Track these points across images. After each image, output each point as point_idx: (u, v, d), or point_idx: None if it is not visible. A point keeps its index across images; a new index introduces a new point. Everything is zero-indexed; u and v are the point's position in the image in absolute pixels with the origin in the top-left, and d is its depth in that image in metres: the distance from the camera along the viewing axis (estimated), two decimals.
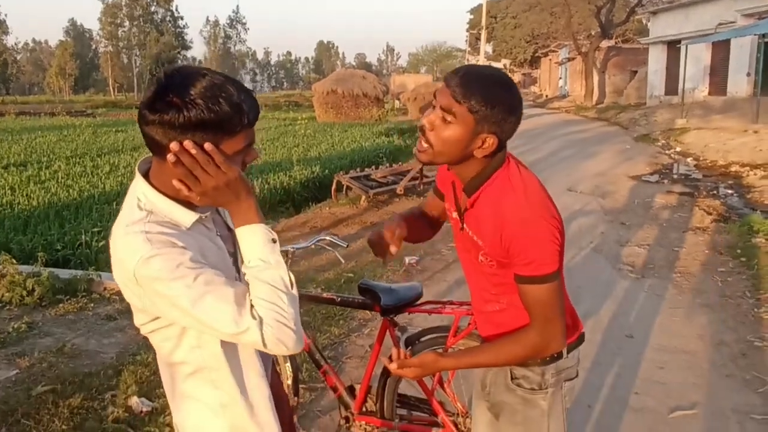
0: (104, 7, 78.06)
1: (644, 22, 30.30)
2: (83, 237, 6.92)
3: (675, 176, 11.55)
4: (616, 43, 35.93)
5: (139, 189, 1.38)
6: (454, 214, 1.75)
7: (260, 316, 1.29)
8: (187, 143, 1.26)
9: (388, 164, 11.62)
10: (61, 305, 4.99)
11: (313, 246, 3.00)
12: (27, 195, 9.97)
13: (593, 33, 34.87)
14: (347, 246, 3.11)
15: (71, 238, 7.09)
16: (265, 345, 1.31)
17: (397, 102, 38.06)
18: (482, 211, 1.60)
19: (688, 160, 13.37)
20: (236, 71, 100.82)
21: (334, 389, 2.81)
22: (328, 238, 3.01)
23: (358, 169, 10.63)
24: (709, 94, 22.62)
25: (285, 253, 2.89)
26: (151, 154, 1.38)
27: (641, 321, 4.67)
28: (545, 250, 1.51)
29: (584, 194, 9.75)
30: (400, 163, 12.04)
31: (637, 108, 25.95)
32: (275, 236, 1.38)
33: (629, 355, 4.12)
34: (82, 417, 3.39)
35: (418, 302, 2.66)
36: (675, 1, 25.74)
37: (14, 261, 5.35)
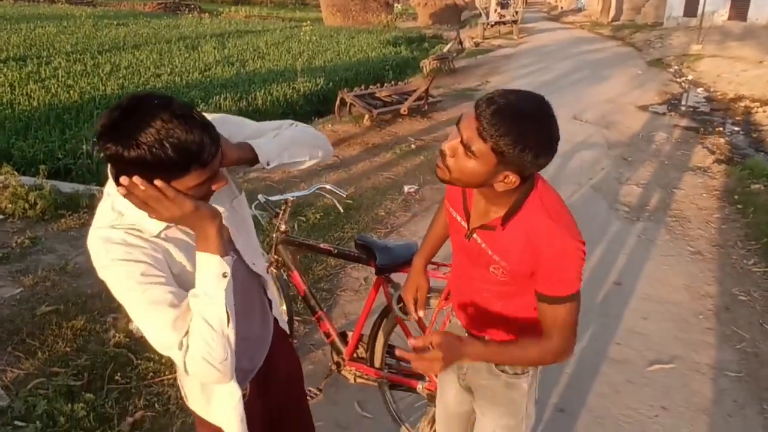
0: None
1: None
2: (84, 146, 6.92)
3: (683, 108, 11.39)
4: None
5: (111, 189, 1.40)
6: (459, 218, 1.74)
7: (189, 347, 1.36)
8: (136, 179, 1.27)
9: (393, 82, 11.43)
10: (63, 220, 5.07)
11: (311, 193, 3.04)
12: (27, 94, 9.88)
13: None
14: (345, 195, 3.14)
15: (73, 147, 7.10)
16: (186, 372, 1.39)
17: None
18: (513, 236, 1.57)
19: (699, 90, 13.14)
20: None
21: (327, 335, 2.92)
22: (327, 186, 3.04)
23: (362, 87, 10.47)
24: (729, 18, 21.92)
25: (284, 202, 2.94)
26: None
27: (631, 268, 4.76)
28: (572, 272, 1.52)
29: (590, 124, 9.66)
30: (406, 81, 11.85)
31: (654, 28, 25.20)
32: (227, 270, 1.39)
33: (615, 303, 4.24)
34: (85, 339, 3.54)
35: None
36: None
37: (15, 172, 5.38)
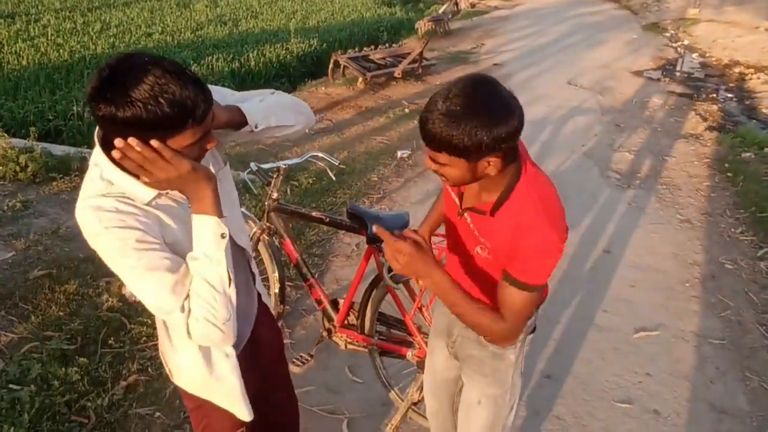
0: None
1: None
2: (75, 107, 6.86)
3: (677, 74, 11.34)
4: None
5: (98, 159, 1.38)
6: (453, 196, 1.76)
7: (190, 309, 1.37)
8: (132, 140, 1.24)
9: (387, 44, 11.30)
10: (54, 183, 5.06)
11: (304, 162, 3.04)
12: (16, 53, 9.73)
13: None
14: (338, 163, 3.14)
15: (63, 108, 7.03)
16: (189, 336, 1.39)
17: None
18: (501, 222, 1.59)
19: (694, 56, 13.05)
20: None
21: (319, 302, 2.95)
22: (320, 154, 3.04)
23: (356, 49, 10.35)
24: None
25: (277, 169, 2.94)
26: None
27: (620, 235, 4.81)
28: (545, 265, 1.54)
29: (584, 89, 9.61)
30: (401, 43, 11.72)
31: None
32: (226, 231, 1.39)
33: (604, 271, 4.29)
34: (78, 303, 3.57)
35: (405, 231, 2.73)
36: None
37: (5, 134, 5.34)
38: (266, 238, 3.04)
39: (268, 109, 1.62)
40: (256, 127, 1.57)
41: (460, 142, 1.40)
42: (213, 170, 1.54)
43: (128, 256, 1.33)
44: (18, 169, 5.05)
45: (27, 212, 4.59)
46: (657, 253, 4.56)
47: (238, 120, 1.53)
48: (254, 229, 3.04)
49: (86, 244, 1.37)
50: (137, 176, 1.35)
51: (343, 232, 4.65)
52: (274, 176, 2.94)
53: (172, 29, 12.77)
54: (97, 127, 1.41)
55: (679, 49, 13.84)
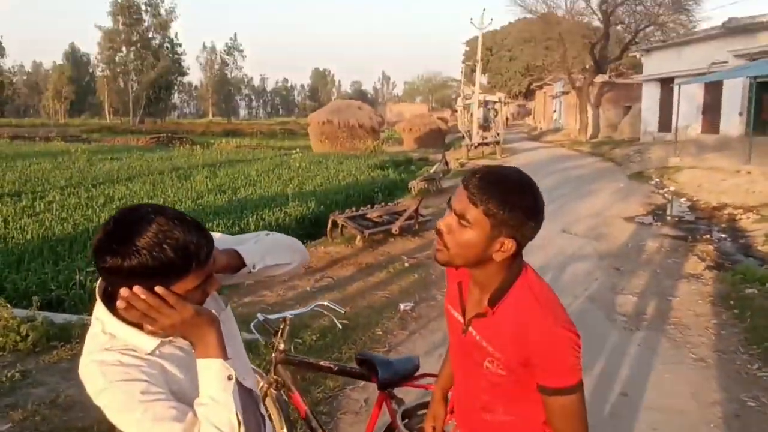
0: (103, 33, 78.58)
1: (638, 56, 30.71)
2: (77, 276, 6.91)
3: (669, 218, 11.63)
4: (610, 77, 36.37)
5: (100, 314, 1.40)
6: (456, 315, 1.74)
7: None
8: (137, 289, 1.27)
9: (383, 202, 11.67)
10: (55, 352, 4.97)
11: (309, 311, 3.03)
12: (21, 228, 9.96)
13: (588, 67, 35.28)
14: (344, 312, 3.13)
15: (65, 277, 7.08)
16: None
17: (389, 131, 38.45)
18: (503, 321, 1.57)
19: (682, 200, 13.48)
20: (232, 97, 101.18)
21: None
22: (325, 303, 3.04)
23: (353, 209, 10.67)
24: (702, 132, 22.87)
25: (283, 320, 2.92)
26: None
27: (635, 377, 4.68)
28: (568, 363, 1.50)
29: (578, 236, 9.81)
30: (396, 201, 12.10)
31: (631, 144, 26.20)
32: (232, 373, 1.37)
33: (624, 414, 4.13)
34: None
35: (416, 375, 2.67)
36: (668, 40, 26.16)
37: (8, 305, 5.33)
38: (274, 392, 2.95)
39: (265, 250, 1.65)
40: (254, 267, 1.59)
41: (503, 199, 1.46)
42: (216, 312, 1.55)
43: (134, 409, 1.30)
44: (18, 339, 4.99)
45: (26, 382, 4.47)
46: (675, 393, 4.41)
47: (235, 263, 1.56)
48: (261, 384, 2.95)
49: (86, 412, 1.36)
50: (140, 327, 1.37)
51: (351, 387, 4.54)
52: (281, 328, 2.91)
53: (173, 199, 13.21)
54: (98, 282, 1.44)
55: (666, 195, 14.32)
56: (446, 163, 16.86)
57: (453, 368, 1.85)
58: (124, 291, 1.27)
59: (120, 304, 1.28)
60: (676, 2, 29.31)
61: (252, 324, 3.00)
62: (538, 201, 1.53)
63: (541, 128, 49.33)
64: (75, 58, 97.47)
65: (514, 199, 1.48)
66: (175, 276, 1.30)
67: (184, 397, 1.39)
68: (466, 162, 23.37)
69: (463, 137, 27.56)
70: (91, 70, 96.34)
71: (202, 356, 1.37)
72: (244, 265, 1.57)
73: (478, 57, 29.74)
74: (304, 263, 1.82)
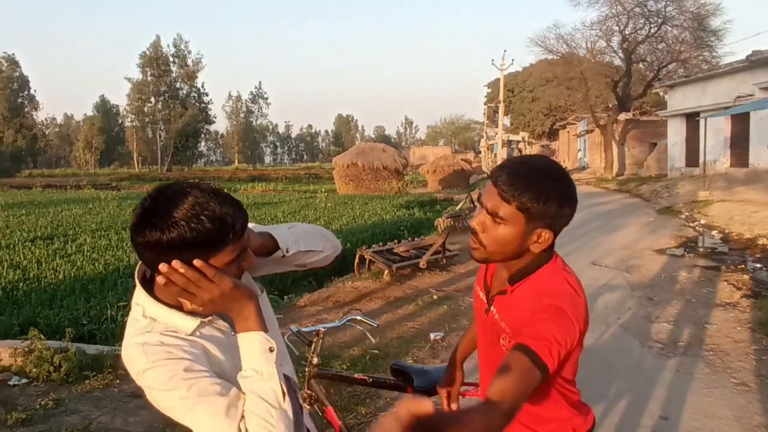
0: (133, 85, 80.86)
1: (661, 95, 30.67)
2: (108, 311, 6.97)
3: (701, 249, 11.42)
4: (633, 115, 36.34)
5: (140, 298, 1.41)
6: (481, 295, 1.74)
7: (247, 430, 1.29)
8: (176, 263, 1.28)
9: (409, 238, 11.66)
10: (87, 381, 4.99)
11: (343, 325, 3.01)
12: (54, 269, 10.12)
13: (611, 106, 35.32)
14: (377, 325, 3.10)
15: (97, 313, 7.16)
16: None
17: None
18: (522, 297, 1.54)
19: (714, 232, 13.25)
20: (257, 144, 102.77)
21: None
22: (358, 317, 3.02)
23: (380, 244, 10.67)
24: (731, 165, 22.59)
25: (316, 333, 2.90)
26: None
27: (675, 401, 4.54)
28: (553, 333, 1.38)
29: (609, 268, 9.67)
30: (422, 237, 12.08)
31: (658, 180, 25.97)
32: (273, 344, 1.37)
33: None
34: None
35: None
36: (691, 76, 26.13)
37: (42, 336, 5.39)
38: (308, 407, 2.92)
39: (298, 235, 1.66)
40: (287, 251, 1.59)
41: (535, 192, 1.43)
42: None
43: (178, 387, 1.29)
44: (52, 369, 5.03)
45: (59, 410, 4.48)
46: (717, 417, 4.27)
47: (270, 245, 1.57)
48: None
49: None
50: (180, 308, 1.38)
51: (383, 413, 4.47)
52: (314, 341, 2.90)
53: None
54: (137, 267, 1.45)
55: (697, 227, 14.09)
56: (472, 201, 16.86)
57: (478, 349, 1.84)
58: (163, 266, 1.28)
59: (160, 279, 1.29)
60: (698, 39, 29.44)
61: (286, 336, 2.99)
62: (570, 186, 1.52)
63: (566, 167, 49.15)
64: (105, 110, 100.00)
65: (546, 190, 1.45)
66: (212, 248, 1.31)
67: (225, 377, 1.38)
68: None
69: (487, 176, 27.59)
70: (120, 121, 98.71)
71: (243, 330, 1.36)
72: (277, 248, 1.58)
73: (501, 97, 29.97)
74: (336, 252, 1.81)
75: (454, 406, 2.14)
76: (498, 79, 31.81)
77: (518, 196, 1.43)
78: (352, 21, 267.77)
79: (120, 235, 14.35)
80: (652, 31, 30.87)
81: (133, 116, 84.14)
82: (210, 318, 1.43)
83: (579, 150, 47.76)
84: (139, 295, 1.41)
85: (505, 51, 33.70)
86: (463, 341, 2.14)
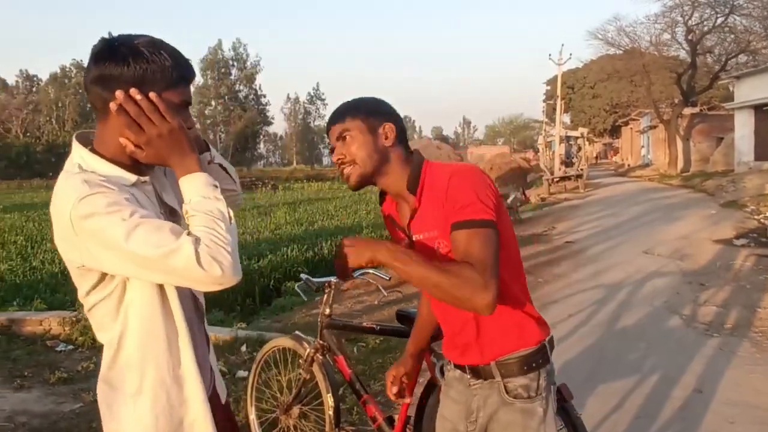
0: (195, 88, 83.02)
1: (730, 88, 29.46)
2: None
3: (764, 240, 10.94)
4: (701, 110, 35.06)
5: (78, 155, 1.40)
6: (405, 235, 1.79)
7: (198, 237, 1.28)
8: (132, 90, 1.32)
9: None
10: None
11: (356, 277, 3.04)
12: None
13: (676, 101, 34.19)
14: (389, 278, 3.12)
15: None
16: (199, 262, 1.25)
17: None
18: (428, 198, 1.65)
19: None
20: (315, 145, 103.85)
21: (374, 419, 2.78)
22: (370, 271, 3.04)
23: None
24: None
25: (328, 284, 2.95)
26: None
27: (712, 377, 4.39)
28: (479, 195, 1.53)
29: (662, 257, 9.38)
30: None
31: (725, 175, 24.99)
32: (216, 183, 1.40)
33: (696, 409, 3.87)
34: None
35: None
36: (760, 65, 25.06)
37: None
38: (320, 357, 2.96)
39: (223, 160, 1.73)
40: (213, 158, 1.65)
41: (355, 105, 1.72)
42: (177, 202, 1.53)
43: (121, 210, 1.26)
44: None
45: (98, 371, 4.68)
46: (756, 391, 4.10)
47: (203, 146, 1.62)
48: (308, 350, 2.98)
49: None
50: (120, 163, 1.39)
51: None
52: (326, 292, 2.94)
53: (252, 230, 13.70)
54: (75, 134, 1.46)
55: (762, 220, 13.50)
56: (524, 193, 16.65)
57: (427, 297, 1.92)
58: (119, 93, 1.32)
59: (113, 105, 1.32)
60: None
61: (297, 285, 3.05)
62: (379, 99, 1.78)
63: (628, 164, 47.89)
64: None
65: (361, 100, 1.75)
66: (166, 84, 1.36)
67: None
68: (547, 197, 22.97)
69: (545, 175, 27.09)
70: None
71: (185, 173, 1.38)
72: (207, 150, 1.64)
73: (558, 92, 29.44)
74: (239, 200, 1.86)
75: (407, 400, 2.33)
76: (557, 76, 31.17)
77: (344, 113, 1.70)
78: (409, 23, 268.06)
79: None
80: (719, 21, 29.75)
81: (195, 119, 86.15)
82: (145, 180, 1.44)
83: (642, 146, 46.46)
84: (77, 152, 1.40)
85: (562, 45, 33.25)
86: (414, 332, 2.23)
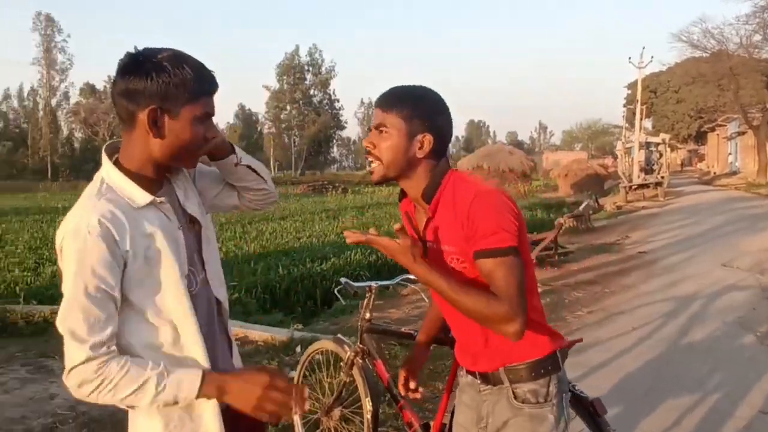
0: (270, 93, 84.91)
1: None
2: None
3: None
4: None
5: (105, 168, 1.47)
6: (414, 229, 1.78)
7: (109, 362, 1.38)
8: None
9: None
10: None
11: (396, 283, 3.03)
12: None
13: (767, 105, 32.46)
14: None
15: None
16: (79, 386, 1.39)
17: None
18: (444, 212, 1.64)
19: None
20: None
21: (410, 425, 2.75)
22: (411, 276, 3.02)
23: None
24: None
25: (368, 289, 2.95)
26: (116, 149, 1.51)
27: None
28: (503, 223, 1.52)
29: (741, 270, 8.91)
30: (535, 233, 11.78)
31: None
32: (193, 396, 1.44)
33: (761, 430, 3.65)
34: None
35: None
36: None
37: None
38: (360, 361, 2.96)
39: (251, 159, 1.75)
40: (240, 160, 1.68)
41: (409, 103, 1.64)
42: (198, 211, 1.62)
43: (83, 272, 1.35)
44: None
45: None
46: None
47: (227, 147, 1.65)
48: (348, 354, 2.99)
49: None
50: (140, 178, 1.45)
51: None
52: (367, 296, 2.94)
53: (318, 233, 13.94)
54: (104, 146, 1.53)
55: None
56: (596, 200, 16.20)
57: (441, 308, 1.86)
58: None
59: None
60: None
61: (336, 289, 3.06)
62: (439, 97, 1.70)
63: (714, 172, 45.81)
64: (245, 117, 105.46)
65: (418, 96, 1.67)
66: (187, 98, 1.41)
67: (150, 253, 1.42)
68: (623, 204, 22.24)
69: (622, 182, 26.22)
70: (259, 128, 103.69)
71: (202, 396, 1.44)
72: (233, 152, 1.66)
73: (638, 96, 28.50)
74: (273, 197, 1.88)
75: (412, 385, 2.28)
76: (637, 80, 30.20)
77: (396, 104, 1.64)
78: (484, 27, 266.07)
79: (245, 228, 15.28)
80: None
81: (270, 123, 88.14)
82: (162, 200, 1.48)
83: (729, 154, 44.39)
84: (105, 164, 1.48)
85: (643, 48, 32.11)
86: (425, 323, 2.24)
